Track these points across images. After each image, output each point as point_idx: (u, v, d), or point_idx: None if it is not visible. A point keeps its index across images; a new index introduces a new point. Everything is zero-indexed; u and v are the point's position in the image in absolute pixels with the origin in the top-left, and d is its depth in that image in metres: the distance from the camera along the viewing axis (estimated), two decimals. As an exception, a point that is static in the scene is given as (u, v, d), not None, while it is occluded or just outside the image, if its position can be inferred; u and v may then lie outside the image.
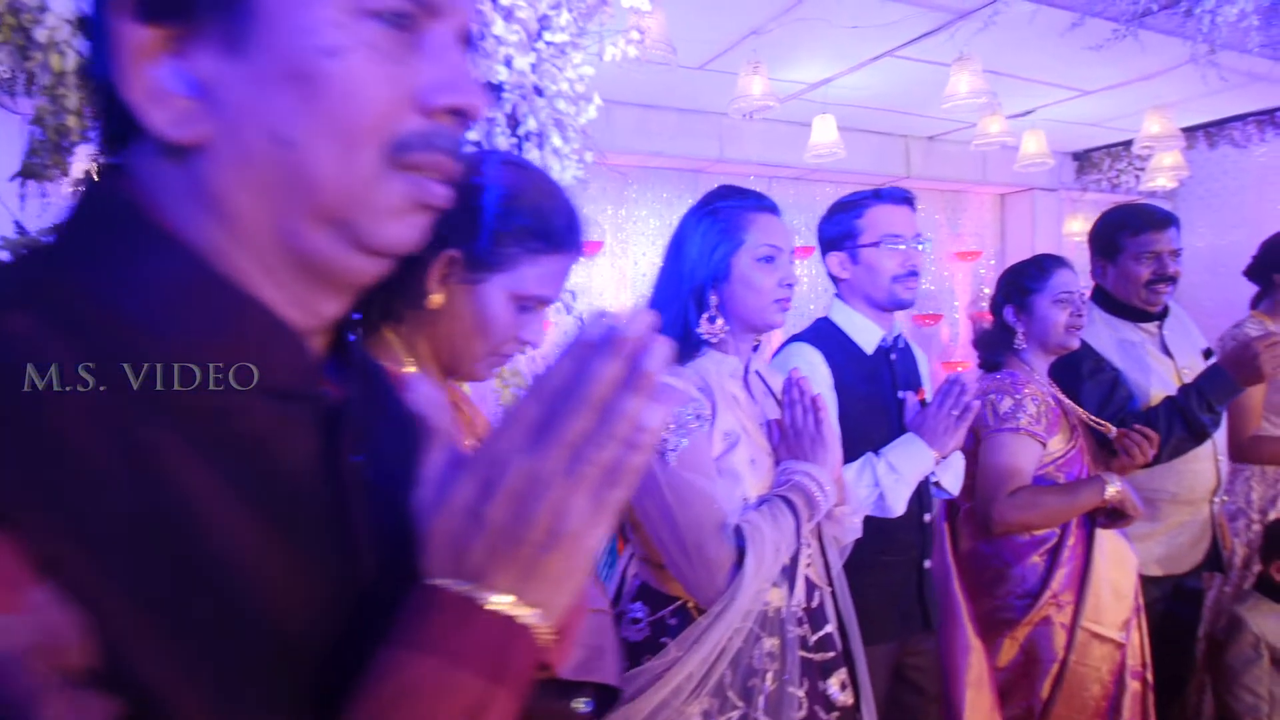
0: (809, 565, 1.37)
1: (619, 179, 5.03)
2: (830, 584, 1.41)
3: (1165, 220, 2.27)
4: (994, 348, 2.11)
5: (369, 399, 0.55)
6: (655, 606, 1.28)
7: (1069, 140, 5.62)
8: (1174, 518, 2.24)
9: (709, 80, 4.19)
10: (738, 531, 1.21)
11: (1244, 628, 2.16)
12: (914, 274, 1.79)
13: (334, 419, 0.50)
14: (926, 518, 1.81)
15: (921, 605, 1.78)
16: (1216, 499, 2.27)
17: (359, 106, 0.45)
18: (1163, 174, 4.79)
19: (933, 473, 1.75)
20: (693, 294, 1.34)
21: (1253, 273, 2.61)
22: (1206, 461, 2.23)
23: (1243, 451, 2.45)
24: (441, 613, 0.42)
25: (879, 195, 1.81)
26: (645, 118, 4.79)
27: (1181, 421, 2.04)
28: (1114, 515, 1.91)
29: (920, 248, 1.81)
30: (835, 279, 1.87)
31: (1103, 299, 2.37)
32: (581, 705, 0.77)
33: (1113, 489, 1.86)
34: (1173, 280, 2.26)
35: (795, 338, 1.83)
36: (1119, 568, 1.94)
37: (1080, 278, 2.28)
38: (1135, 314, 2.31)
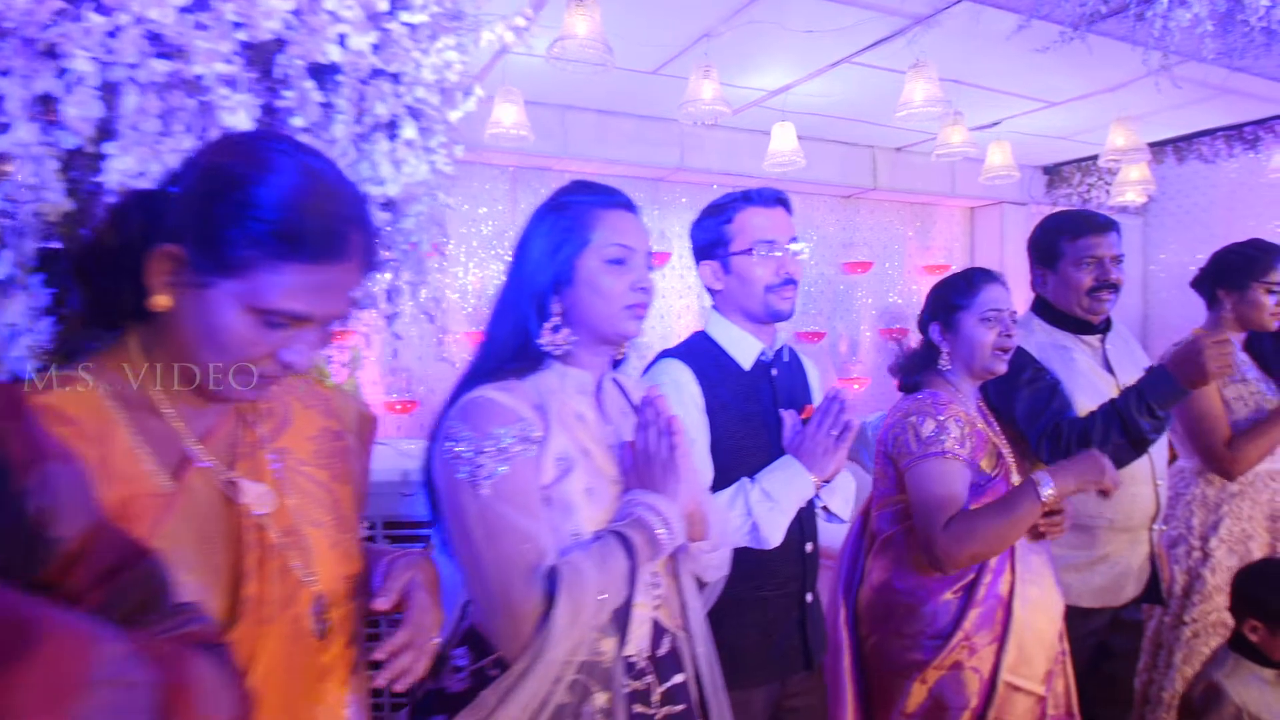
0: (658, 607, 1.22)
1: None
2: (686, 628, 1.26)
3: (1105, 224, 2.16)
4: (914, 369, 1.97)
5: None
6: (479, 654, 1.13)
7: (1039, 154, 5.55)
8: (1111, 546, 2.11)
9: (666, 86, 4.09)
10: (553, 575, 1.05)
11: (1224, 699, 1.90)
12: (790, 282, 1.65)
13: None
14: (809, 547, 1.67)
15: (803, 642, 1.64)
16: (1156, 526, 2.14)
17: None
18: (1130, 188, 4.72)
19: (817, 497, 1.62)
20: (533, 300, 1.20)
21: (1198, 285, 2.51)
22: (1145, 485, 2.11)
23: (1227, 461, 2.29)
24: None
25: (749, 197, 1.68)
26: (603, 124, 4.69)
27: (1119, 426, 1.90)
28: (1049, 516, 1.73)
29: (796, 253, 1.67)
30: (710, 290, 1.73)
31: (1043, 309, 2.25)
32: None
33: (1049, 490, 1.68)
34: (1115, 288, 2.15)
35: (666, 353, 1.69)
36: (1045, 615, 1.79)
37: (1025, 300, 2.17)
38: (1077, 324, 2.20)
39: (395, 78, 1.33)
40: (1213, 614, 2.34)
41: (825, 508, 1.69)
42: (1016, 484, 1.87)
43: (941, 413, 1.81)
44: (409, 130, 1.33)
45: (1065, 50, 3.14)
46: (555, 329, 1.19)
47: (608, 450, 1.21)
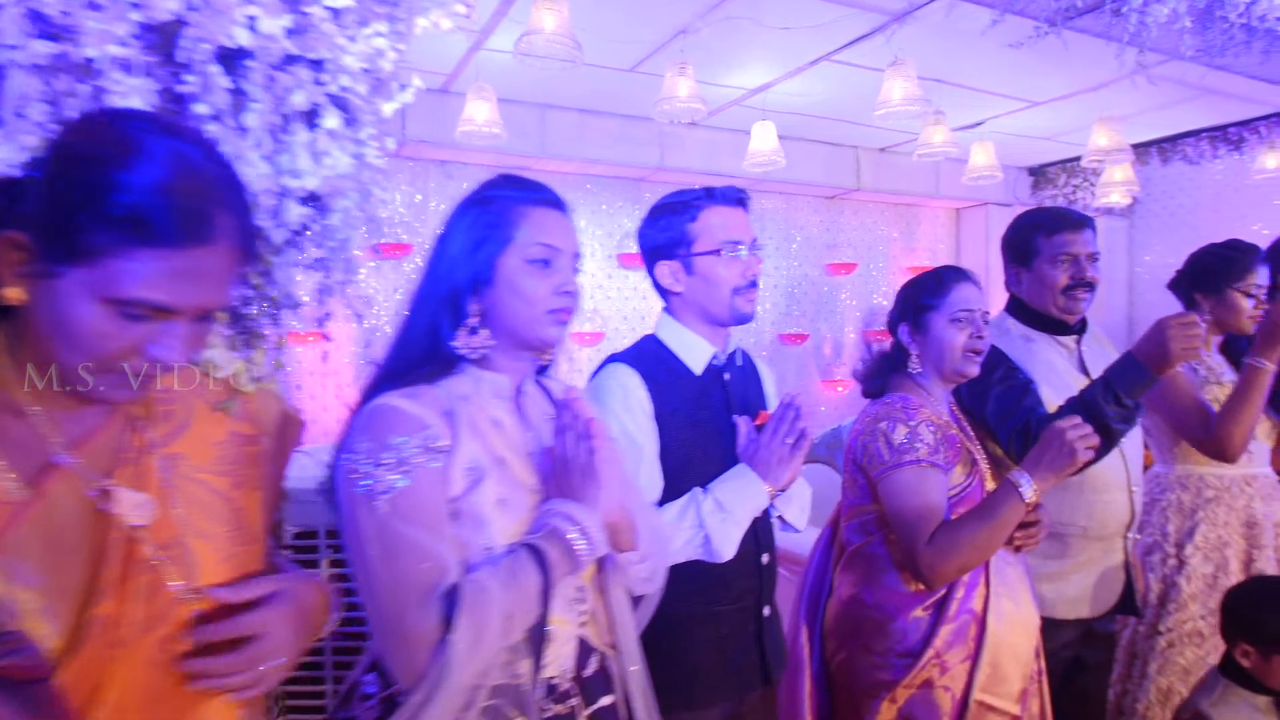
0: (585, 624, 1.15)
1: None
2: (616, 645, 1.18)
3: (1081, 221, 2.10)
4: (879, 373, 1.89)
5: None
6: (388, 681, 1.04)
7: (1023, 155, 5.51)
8: (1085, 555, 2.04)
9: (645, 84, 4.04)
10: (454, 595, 0.96)
11: None
12: (754, 285, 1.59)
13: None
14: (765, 559, 1.59)
15: (761, 658, 1.57)
16: (1130, 535, 2.08)
17: None
18: (1115, 189, 4.67)
19: (772, 506, 1.55)
20: (446, 300, 1.12)
21: (1175, 288, 2.45)
22: (1119, 492, 2.05)
23: (1214, 444, 2.19)
24: None
25: (712, 195, 1.59)
26: (583, 123, 4.63)
27: (1086, 416, 1.83)
28: (1024, 528, 1.67)
29: (758, 254, 1.61)
30: (666, 292, 1.65)
31: (1017, 309, 2.19)
32: None
33: (1029, 489, 1.58)
34: (1090, 286, 2.08)
35: (613, 357, 1.61)
36: (1021, 630, 1.72)
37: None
38: (1052, 324, 2.13)
39: (317, 65, 1.27)
40: (1188, 623, 2.28)
41: (780, 517, 1.62)
42: (992, 490, 1.79)
43: (913, 418, 1.71)
44: (331, 120, 1.27)
45: (1047, 49, 3.08)
46: (472, 331, 1.11)
47: (526, 458, 1.13)
